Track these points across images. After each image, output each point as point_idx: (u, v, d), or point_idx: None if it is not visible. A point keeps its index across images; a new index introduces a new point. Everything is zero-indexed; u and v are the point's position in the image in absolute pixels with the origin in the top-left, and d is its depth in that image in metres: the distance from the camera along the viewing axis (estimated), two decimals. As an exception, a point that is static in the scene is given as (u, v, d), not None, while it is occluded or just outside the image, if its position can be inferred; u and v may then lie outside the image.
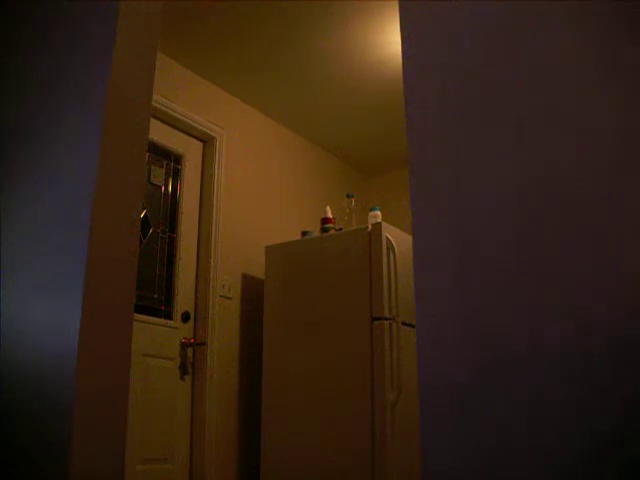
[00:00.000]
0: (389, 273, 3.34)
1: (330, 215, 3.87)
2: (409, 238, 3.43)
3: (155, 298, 3.58)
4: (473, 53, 1.38)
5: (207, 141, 4.04)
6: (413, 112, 1.45)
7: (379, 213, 3.64)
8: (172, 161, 3.86)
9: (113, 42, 1.99)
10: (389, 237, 3.39)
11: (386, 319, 3.26)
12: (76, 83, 2.09)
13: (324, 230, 3.81)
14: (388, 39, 3.61)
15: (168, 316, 3.62)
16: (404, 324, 3.31)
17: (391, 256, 3.37)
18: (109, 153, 1.91)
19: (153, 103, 2.15)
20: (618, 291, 1.08)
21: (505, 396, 1.16)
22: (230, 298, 3.89)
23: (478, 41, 1.38)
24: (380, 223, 3.41)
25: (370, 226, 3.44)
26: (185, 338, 3.64)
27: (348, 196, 4.00)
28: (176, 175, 3.87)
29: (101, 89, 1.96)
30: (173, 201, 3.81)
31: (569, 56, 1.24)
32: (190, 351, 3.66)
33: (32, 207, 2.06)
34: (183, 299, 3.71)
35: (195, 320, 3.74)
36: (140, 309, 3.38)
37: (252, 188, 4.25)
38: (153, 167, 3.72)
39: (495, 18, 1.37)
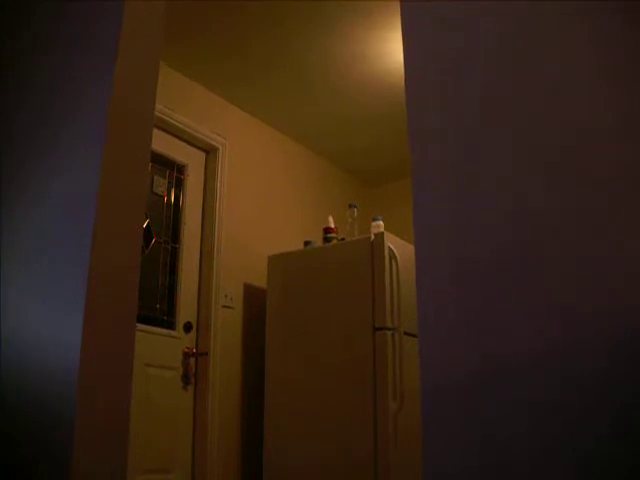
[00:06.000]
0: (391, 283, 3.34)
1: (332, 225, 3.87)
2: (412, 248, 3.43)
3: (157, 308, 3.58)
4: (474, 57, 1.38)
5: (210, 151, 4.05)
6: (414, 115, 1.45)
7: (382, 223, 3.64)
8: (175, 171, 3.87)
9: (116, 47, 1.99)
10: (391, 247, 3.38)
11: (388, 329, 3.25)
12: (77, 91, 2.10)
13: (326, 240, 3.81)
14: (390, 49, 3.62)
15: (170, 326, 3.62)
16: (406, 334, 3.30)
17: (393, 266, 3.36)
18: (111, 162, 1.91)
19: (156, 113, 2.15)
20: (619, 292, 1.07)
21: (506, 405, 1.15)
22: (232, 308, 3.89)
23: (479, 45, 1.38)
24: (383, 233, 3.41)
25: (373, 236, 3.43)
26: (187, 348, 3.64)
27: (351, 206, 4.00)
28: (179, 185, 3.87)
29: (103, 98, 1.96)
30: (176, 211, 3.82)
31: (571, 56, 1.24)
32: (192, 361, 3.65)
33: (33, 217, 2.06)
34: (185, 309, 3.71)
35: (197, 330, 3.74)
36: (142, 319, 3.37)
37: (254, 198, 4.25)
38: (156, 177, 3.72)
39: (496, 20, 1.37)
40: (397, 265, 3.36)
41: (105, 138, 1.90)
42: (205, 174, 4.03)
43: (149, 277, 3.54)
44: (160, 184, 3.75)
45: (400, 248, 3.44)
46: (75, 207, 1.91)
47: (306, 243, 3.88)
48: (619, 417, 1.04)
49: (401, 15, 1.56)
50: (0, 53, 2.52)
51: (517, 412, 1.14)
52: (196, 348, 3.68)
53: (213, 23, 3.40)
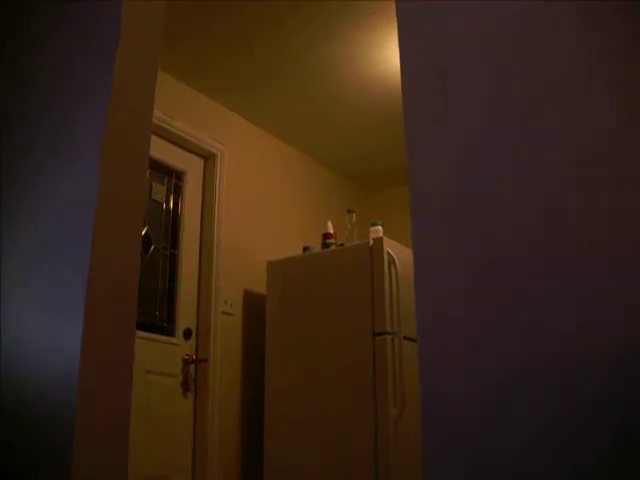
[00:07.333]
0: (391, 288, 3.34)
1: (331, 230, 3.87)
2: (410, 253, 3.42)
3: (157, 314, 3.58)
4: (473, 58, 1.38)
5: (208, 158, 4.06)
6: (411, 118, 1.45)
7: (380, 228, 3.63)
8: (173, 178, 3.87)
9: (116, 47, 1.98)
10: (390, 252, 3.39)
11: (388, 334, 3.25)
12: (77, 91, 2.09)
13: (325, 245, 3.81)
14: (388, 54, 3.63)
15: (170, 333, 3.62)
16: (406, 339, 3.30)
17: (393, 271, 3.36)
18: (110, 169, 1.91)
19: (154, 120, 2.15)
20: (618, 307, 1.07)
21: (506, 412, 1.15)
22: (232, 314, 3.88)
23: (479, 45, 1.38)
24: (381, 238, 3.41)
25: (371, 241, 3.44)
26: (187, 354, 3.63)
27: (349, 211, 4.00)
28: (177, 192, 3.88)
29: (103, 98, 1.96)
30: (175, 217, 3.82)
31: (573, 56, 1.24)
32: (192, 368, 3.64)
33: (32, 224, 2.06)
34: (185, 315, 3.70)
35: (197, 336, 3.74)
36: (142, 326, 3.36)
37: (253, 204, 4.25)
38: (154, 184, 3.73)
39: (496, 20, 1.37)
40: (396, 270, 3.36)
41: (103, 145, 1.90)
42: (204, 180, 4.03)
43: (148, 283, 3.54)
44: (159, 191, 3.75)
45: (399, 253, 3.44)
46: (74, 214, 1.91)
47: (305, 249, 3.88)
48: (619, 433, 1.03)
49: (397, 15, 1.56)
50: (0, 53, 2.52)
51: (517, 428, 1.13)
52: (196, 355, 3.68)
53: (211, 29, 3.41)
